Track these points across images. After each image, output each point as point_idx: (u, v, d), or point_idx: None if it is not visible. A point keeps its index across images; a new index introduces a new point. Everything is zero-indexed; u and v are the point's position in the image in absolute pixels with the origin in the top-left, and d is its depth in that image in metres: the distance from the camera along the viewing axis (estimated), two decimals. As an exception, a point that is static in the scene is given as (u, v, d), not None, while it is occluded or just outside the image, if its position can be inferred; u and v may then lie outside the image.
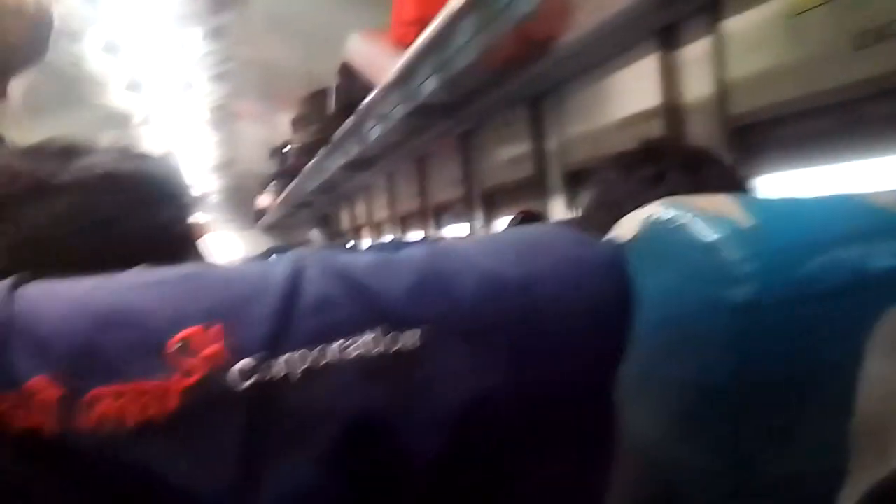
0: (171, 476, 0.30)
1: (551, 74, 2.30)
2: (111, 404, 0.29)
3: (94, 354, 0.30)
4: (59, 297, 0.32)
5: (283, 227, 8.64)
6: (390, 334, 0.33)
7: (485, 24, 1.95)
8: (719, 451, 0.36)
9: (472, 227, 3.24)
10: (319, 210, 7.50)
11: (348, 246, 5.81)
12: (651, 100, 1.80)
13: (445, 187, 3.67)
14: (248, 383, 0.31)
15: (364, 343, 0.32)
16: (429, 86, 2.52)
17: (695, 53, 1.66)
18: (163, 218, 0.56)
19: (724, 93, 1.56)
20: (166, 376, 0.30)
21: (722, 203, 0.39)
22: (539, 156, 2.48)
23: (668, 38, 1.74)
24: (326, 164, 4.47)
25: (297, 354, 0.32)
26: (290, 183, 5.67)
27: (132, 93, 4.78)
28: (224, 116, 5.82)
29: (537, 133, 2.49)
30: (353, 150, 4.06)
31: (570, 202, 2.30)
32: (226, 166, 7.82)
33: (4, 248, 0.49)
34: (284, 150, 5.75)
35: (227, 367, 0.31)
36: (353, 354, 0.32)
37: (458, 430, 0.33)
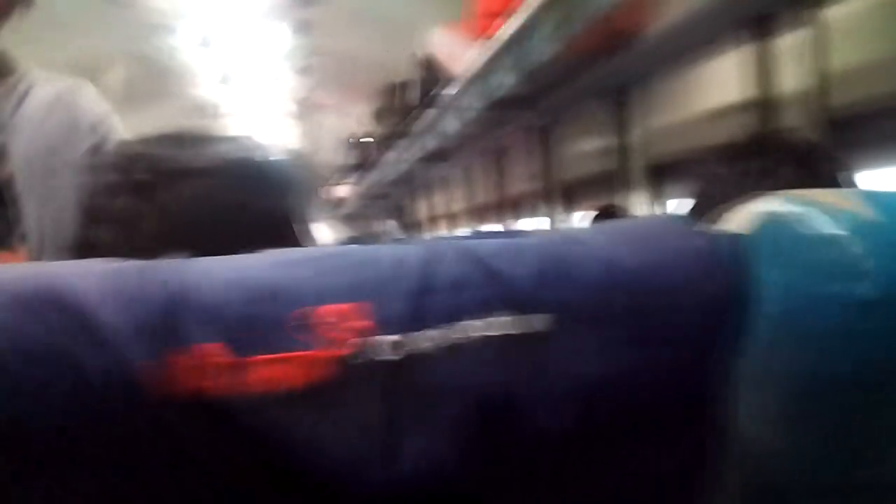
0: (319, 440, 0.32)
1: (636, 66, 2.26)
2: (268, 371, 0.32)
3: (253, 324, 0.33)
4: (220, 272, 0.35)
5: (360, 218, 8.81)
6: (519, 317, 0.34)
7: (569, 15, 1.93)
8: (831, 446, 0.36)
9: (549, 221, 3.22)
10: (395, 201, 7.62)
11: (423, 237, 5.88)
12: (743, 92, 1.74)
13: (523, 180, 3.66)
14: (389, 357, 0.33)
15: (495, 324, 0.34)
16: (509, 79, 2.51)
17: (792, 43, 1.59)
18: (283, 204, 0.59)
19: (823, 84, 1.50)
20: (316, 347, 0.33)
21: (840, 197, 0.38)
22: (622, 149, 2.44)
23: (763, 27, 1.68)
24: (404, 156, 4.54)
25: (433, 332, 0.33)
26: (367, 174, 5.78)
27: (221, 85, 4.98)
28: (306, 108, 5.98)
29: (620, 126, 2.45)
30: (430, 143, 4.11)
31: (653, 197, 2.26)
32: (308, 157, 8.04)
33: (146, 228, 0.53)
34: (363, 142, 5.86)
35: (370, 342, 0.33)
36: (486, 334, 0.34)
37: (584, 410, 0.34)
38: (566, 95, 2.70)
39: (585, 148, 2.81)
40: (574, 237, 0.40)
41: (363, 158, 5.79)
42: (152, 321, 0.32)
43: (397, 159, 4.64)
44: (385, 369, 0.34)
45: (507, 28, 2.05)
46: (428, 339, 0.34)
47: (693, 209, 0.71)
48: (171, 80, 4.72)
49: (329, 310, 0.34)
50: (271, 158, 0.61)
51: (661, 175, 2.23)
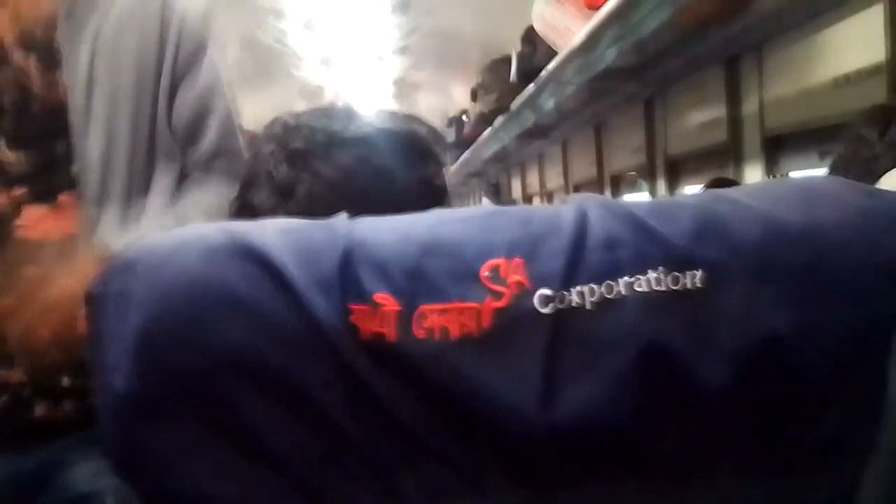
0: (482, 384, 0.35)
1: (751, 32, 2.16)
2: (436, 320, 0.35)
3: (421, 276, 0.36)
4: (387, 229, 0.38)
5: (455, 195, 8.86)
6: (673, 273, 0.35)
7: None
8: None
9: (653, 197, 3.14)
10: (491, 178, 7.61)
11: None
12: (873, 56, 1.63)
13: (624, 155, 3.58)
14: (547, 310, 0.35)
15: (649, 280, 0.35)
16: (615, 50, 2.46)
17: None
18: (428, 171, 0.62)
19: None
20: (480, 298, 0.35)
21: None
22: (734, 120, 2.34)
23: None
24: (502, 133, 4.53)
25: (587, 287, 0.35)
26: (463, 152, 5.80)
27: (324, 67, 5.12)
28: (405, 88, 6.06)
29: (733, 96, 2.35)
30: (528, 119, 4.08)
31: (770, 170, 2.16)
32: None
33: (303, 193, 0.58)
34: (461, 120, 5.88)
35: (529, 294, 0.35)
36: (639, 290, 0.35)
37: (742, 364, 0.34)
38: (675, 65, 2.62)
39: (695, 120, 2.71)
40: (726, 196, 0.40)
41: (461, 136, 5.82)
42: (332, 274, 0.36)
43: (495, 136, 4.63)
44: (543, 321, 0.35)
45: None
46: (584, 293, 0.35)
47: (835, 171, 0.69)
48: (276, 64, 4.89)
49: (490, 264, 0.36)
50: (414, 129, 0.64)
51: (779, 147, 2.12)
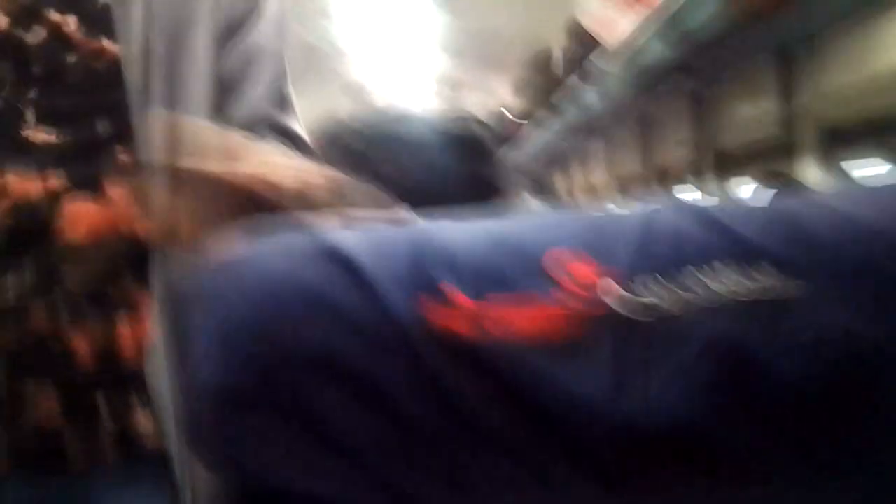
0: (551, 379, 0.35)
1: (806, 23, 2.10)
2: (505, 313, 0.35)
3: (490, 270, 0.36)
4: (454, 225, 0.39)
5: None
6: (744, 269, 0.35)
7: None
8: None
9: (702, 191, 3.09)
10: (533, 174, 7.58)
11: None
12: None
13: (672, 149, 3.52)
14: (614, 302, 0.35)
15: (720, 275, 0.35)
16: (663, 44, 2.43)
17: None
18: (485, 170, 0.63)
19: None
20: (548, 293, 0.35)
21: None
22: (788, 113, 2.29)
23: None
24: (546, 130, 4.51)
25: (656, 280, 0.35)
26: (507, 149, 5.79)
27: (369, 65, 5.17)
28: (447, 84, 6.07)
29: (786, 88, 2.30)
30: (574, 115, 4.05)
31: (825, 163, 2.11)
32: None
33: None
34: (503, 115, 5.87)
35: (598, 287, 0.35)
36: (710, 285, 0.35)
37: (823, 366, 0.34)
38: (723, 59, 2.57)
39: (746, 113, 2.66)
40: (801, 196, 0.40)
41: (502, 132, 5.81)
42: (405, 270, 0.36)
43: (539, 133, 4.62)
44: (611, 316, 0.35)
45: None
46: (653, 288, 0.35)
47: None
48: (323, 63, 4.96)
49: (558, 259, 0.37)
50: (472, 127, 0.65)
51: (836, 139, 2.07)
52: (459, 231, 0.38)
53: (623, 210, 0.40)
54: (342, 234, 0.38)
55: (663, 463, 0.36)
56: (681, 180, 3.53)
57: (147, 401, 0.57)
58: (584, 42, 2.93)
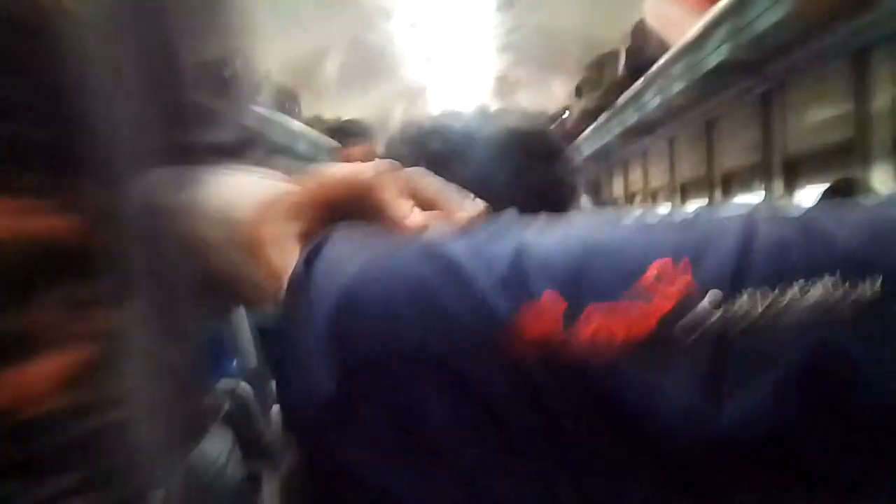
0: (646, 388, 0.34)
1: (882, 23, 2.01)
2: (602, 321, 0.35)
3: (586, 276, 0.36)
4: (551, 230, 0.38)
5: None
6: (848, 279, 0.34)
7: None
8: None
9: (768, 197, 2.99)
10: (591, 176, 7.49)
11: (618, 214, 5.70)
12: None
13: (737, 153, 3.42)
14: (714, 314, 0.34)
15: (823, 286, 0.34)
16: (730, 45, 2.36)
17: None
18: (558, 172, 0.63)
19: None
20: (645, 301, 0.35)
21: None
22: (862, 117, 2.20)
23: None
24: (605, 130, 4.45)
25: (757, 292, 0.34)
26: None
27: (428, 65, 5.20)
28: (505, 85, 6.05)
29: (861, 91, 2.20)
30: (633, 116, 3.98)
31: (902, 170, 2.02)
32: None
33: None
34: (563, 117, 5.82)
35: (697, 298, 0.34)
36: (812, 296, 0.34)
37: None
38: (795, 59, 2.48)
39: (817, 116, 2.56)
40: None
41: (562, 133, 5.76)
42: (506, 274, 0.36)
43: (597, 133, 4.56)
44: (710, 326, 0.35)
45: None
46: (754, 297, 0.34)
47: None
48: (382, 64, 5.01)
49: (656, 265, 0.36)
50: (545, 128, 0.64)
51: (913, 146, 1.98)
52: (557, 238, 0.38)
53: (724, 213, 0.39)
54: (446, 236, 0.38)
55: (756, 477, 0.35)
56: (747, 186, 3.43)
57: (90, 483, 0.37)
58: (649, 42, 2.87)
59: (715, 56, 2.49)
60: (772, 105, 2.95)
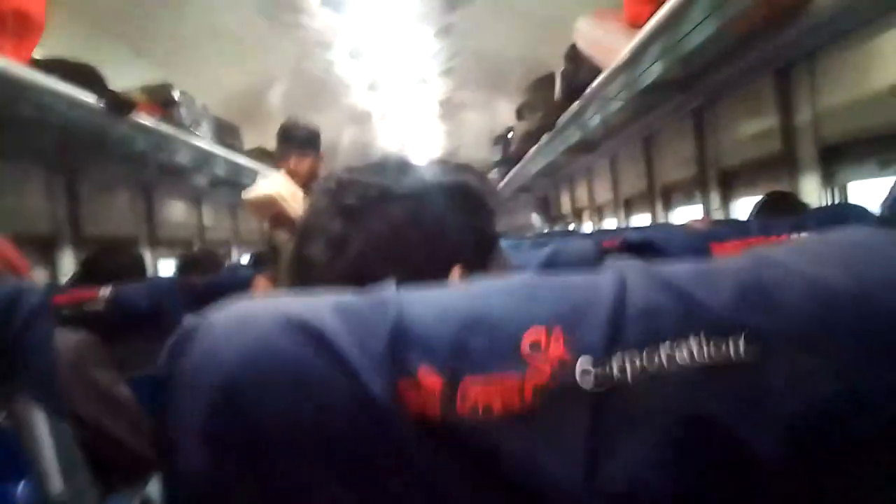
0: (527, 459, 0.35)
1: (803, 41, 2.11)
2: (479, 394, 0.35)
3: (464, 351, 0.36)
4: (431, 303, 0.39)
5: (504, 211, 8.85)
6: (715, 341, 0.35)
7: (727, -5, 1.84)
8: None
9: (705, 209, 3.09)
10: (539, 193, 7.59)
11: (570, 230, 5.82)
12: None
13: (675, 167, 3.53)
14: (588, 381, 0.35)
15: (690, 348, 0.35)
16: (661, 64, 2.44)
17: None
18: (477, 222, 0.63)
19: None
20: (521, 372, 0.35)
21: None
22: (788, 130, 2.29)
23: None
24: (549, 150, 4.52)
25: (629, 356, 0.35)
26: (510, 169, 5.81)
27: (372, 92, 5.22)
28: (450, 108, 6.11)
29: (785, 105, 2.30)
30: (575, 135, 4.06)
31: (826, 181, 2.11)
32: (451, 155, 8.21)
33: (355, 247, 0.59)
34: (507, 137, 5.90)
35: (571, 367, 0.35)
36: (681, 359, 0.35)
37: (794, 435, 0.34)
38: (723, 76, 2.58)
39: (746, 130, 2.66)
40: (771, 259, 0.38)
41: (508, 153, 5.83)
42: (382, 351, 0.37)
43: (542, 152, 4.63)
44: (585, 395, 0.36)
45: (658, 15, 1.99)
46: (625, 364, 0.35)
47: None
48: (326, 92, 5.01)
49: (531, 337, 0.37)
50: (466, 180, 0.65)
51: (837, 156, 2.07)
52: (435, 310, 0.38)
53: (597, 279, 0.40)
54: (322, 314, 0.38)
55: None
56: (686, 198, 3.53)
57: None
58: (582, 65, 2.95)
59: (648, 75, 2.56)
60: (704, 120, 3.05)
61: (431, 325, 0.37)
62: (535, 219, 7.74)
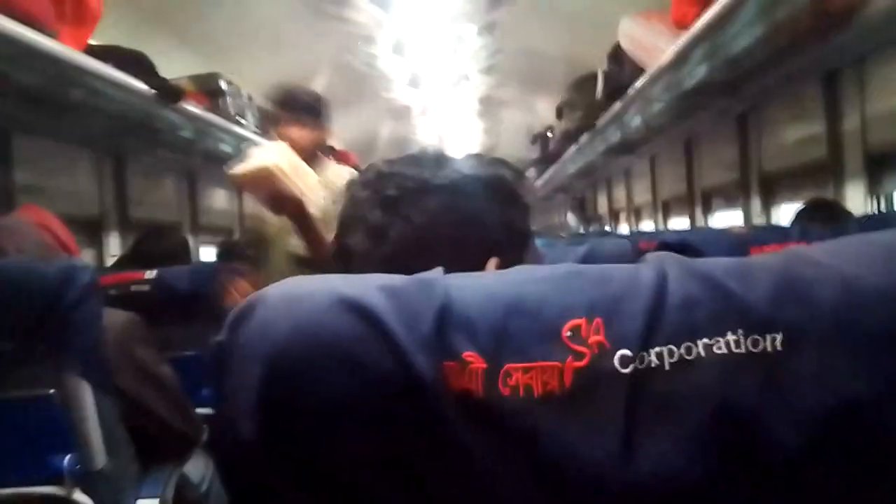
0: (564, 440, 0.36)
1: (852, 47, 2.07)
2: (521, 378, 0.37)
3: (506, 336, 0.38)
4: (475, 288, 0.40)
5: (540, 210, 8.82)
6: (751, 336, 0.36)
7: (775, 0, 1.82)
8: None
9: (746, 214, 3.04)
10: (576, 194, 7.54)
11: (607, 231, 5.77)
12: None
13: (716, 171, 3.48)
14: (627, 370, 0.36)
15: (727, 342, 0.36)
16: (706, 67, 2.41)
17: None
18: (512, 216, 0.65)
19: None
20: (562, 358, 0.37)
21: None
22: (834, 137, 2.25)
23: None
24: (587, 150, 4.50)
25: (666, 348, 0.36)
26: (548, 168, 5.79)
27: (413, 88, 5.25)
28: (490, 105, 6.11)
29: (832, 111, 2.26)
30: (615, 136, 4.03)
31: (873, 189, 2.06)
32: (489, 152, 8.18)
33: (394, 237, 0.61)
34: (546, 136, 5.87)
35: (609, 355, 0.37)
36: (717, 352, 0.36)
37: (818, 430, 0.34)
38: (769, 80, 2.54)
39: (792, 136, 2.62)
40: (807, 256, 0.39)
41: (546, 152, 5.81)
42: (429, 333, 0.38)
43: (581, 152, 4.61)
44: (622, 381, 0.37)
45: (705, 17, 1.97)
46: (662, 354, 0.36)
47: None
48: (367, 86, 5.05)
49: (571, 324, 0.38)
50: (502, 174, 0.67)
51: (885, 165, 2.02)
52: (479, 296, 0.40)
53: (637, 271, 0.41)
54: (372, 295, 0.40)
55: None
56: (726, 203, 3.48)
57: None
58: (625, 65, 2.93)
59: (690, 79, 2.53)
60: (748, 125, 3.01)
61: (476, 309, 0.39)
62: (571, 219, 7.70)
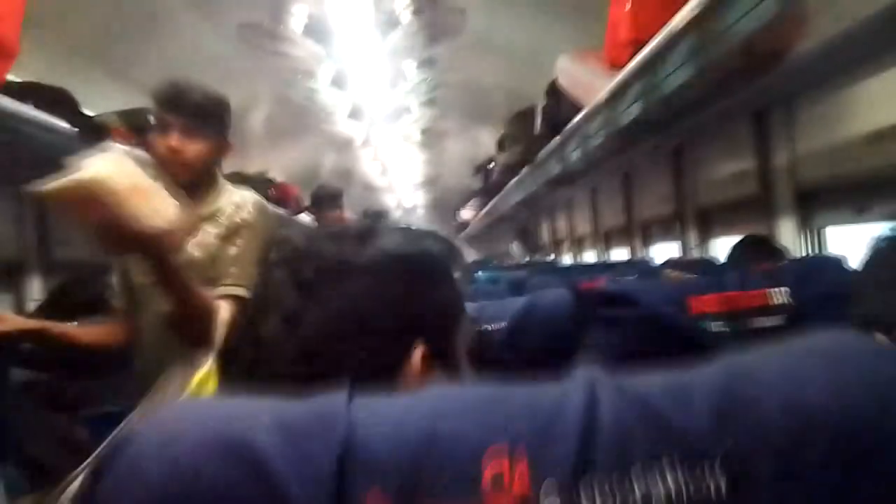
0: None
1: (780, 86, 2.13)
2: None
3: (417, 475, 0.33)
4: (384, 419, 0.36)
5: (484, 240, 8.86)
6: (688, 467, 0.33)
7: (705, 43, 1.86)
8: None
9: (683, 247, 3.09)
10: (520, 223, 7.60)
11: (550, 260, 5.82)
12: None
13: (654, 203, 3.54)
14: None
15: (664, 475, 0.33)
16: (640, 105, 2.45)
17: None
18: (440, 296, 0.60)
19: None
20: (477, 498, 0.33)
21: None
22: (764, 173, 2.31)
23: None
24: (529, 182, 4.53)
25: (599, 484, 0.33)
26: (491, 198, 5.82)
27: (353, 120, 5.21)
28: (432, 137, 6.13)
29: (763, 148, 2.32)
30: (555, 169, 4.08)
31: (803, 224, 2.11)
32: (431, 182, 8.22)
33: (311, 322, 0.56)
34: (488, 167, 5.91)
35: (532, 493, 0.32)
36: (654, 484, 0.32)
37: None
38: (700, 119, 2.59)
39: (724, 171, 2.68)
40: (751, 371, 0.37)
41: (488, 183, 5.85)
42: (323, 474, 0.33)
43: (522, 184, 4.64)
44: None
45: (641, 56, 2.00)
46: (591, 492, 0.33)
47: (863, 296, 0.65)
48: (308, 118, 5.00)
49: (492, 465, 0.34)
50: (429, 249, 0.62)
51: (813, 200, 2.08)
52: (390, 424, 0.35)
53: (566, 395, 0.37)
54: (261, 434, 0.34)
55: None
56: (664, 235, 3.54)
57: None
58: (563, 101, 2.96)
59: (627, 114, 2.57)
60: (683, 159, 3.07)
61: (384, 444, 0.34)
62: (515, 248, 7.74)
